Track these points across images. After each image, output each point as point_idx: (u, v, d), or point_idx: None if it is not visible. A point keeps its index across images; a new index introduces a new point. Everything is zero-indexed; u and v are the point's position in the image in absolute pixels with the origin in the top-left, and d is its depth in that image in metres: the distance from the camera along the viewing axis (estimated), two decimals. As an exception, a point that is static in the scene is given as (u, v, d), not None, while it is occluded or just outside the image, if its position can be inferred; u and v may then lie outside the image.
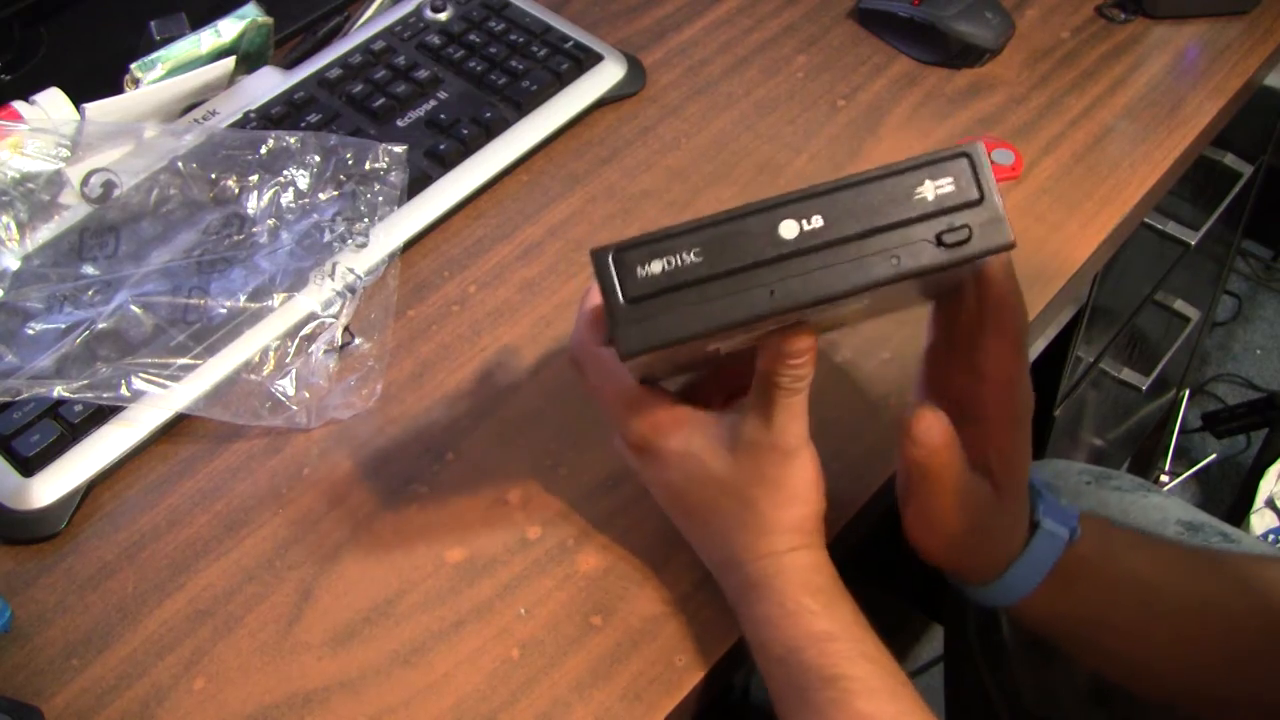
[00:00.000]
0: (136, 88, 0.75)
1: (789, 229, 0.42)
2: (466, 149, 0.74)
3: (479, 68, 0.78)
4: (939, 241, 0.42)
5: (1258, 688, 0.55)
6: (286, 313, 0.65)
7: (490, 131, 0.75)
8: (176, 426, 0.63)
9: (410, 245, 0.71)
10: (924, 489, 0.50)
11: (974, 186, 0.42)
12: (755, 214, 0.42)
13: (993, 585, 0.54)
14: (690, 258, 0.42)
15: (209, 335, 0.63)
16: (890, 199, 0.42)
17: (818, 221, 0.42)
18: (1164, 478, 1.61)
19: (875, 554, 1.07)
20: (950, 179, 0.42)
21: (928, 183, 0.42)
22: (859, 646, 0.48)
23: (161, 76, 0.75)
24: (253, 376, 0.63)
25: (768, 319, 0.43)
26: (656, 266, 0.42)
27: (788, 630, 0.49)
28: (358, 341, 0.66)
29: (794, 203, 0.42)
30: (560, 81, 0.77)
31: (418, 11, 0.82)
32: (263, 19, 0.79)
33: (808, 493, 0.50)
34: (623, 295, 0.42)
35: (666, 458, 0.51)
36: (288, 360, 0.64)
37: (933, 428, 0.48)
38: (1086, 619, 0.56)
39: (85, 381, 0.60)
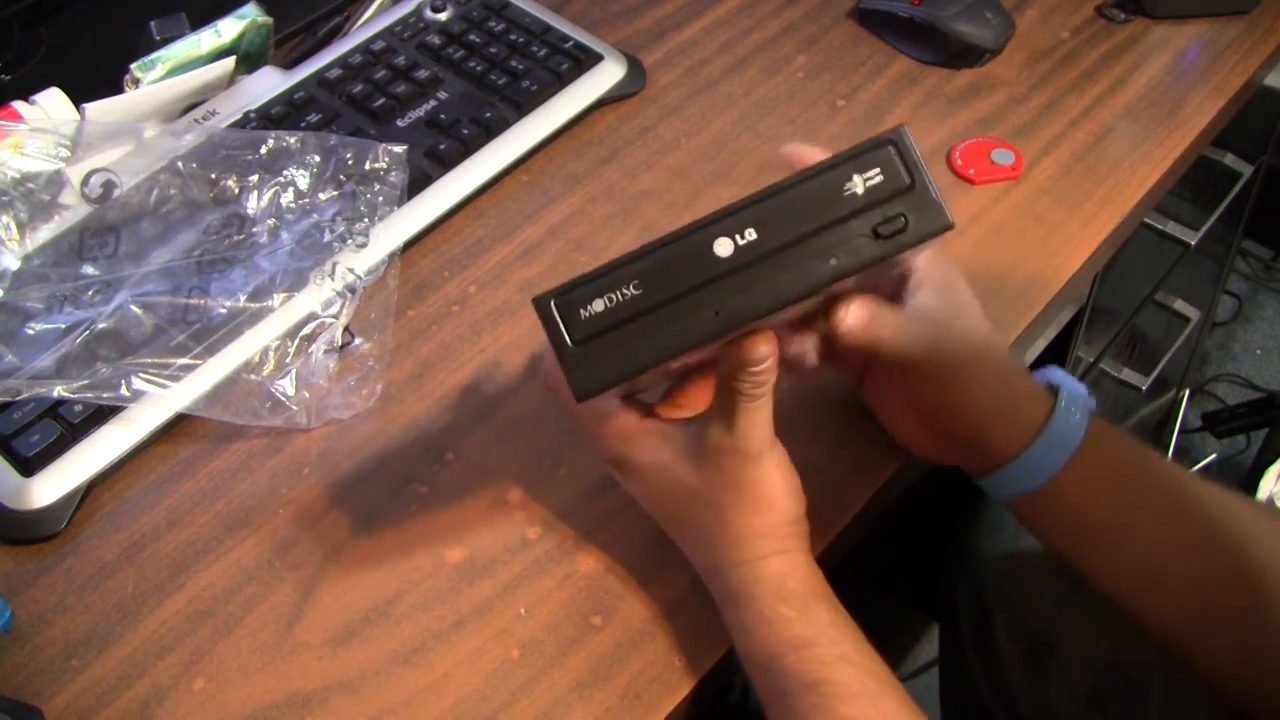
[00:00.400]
0: (136, 88, 0.75)
1: (724, 246, 0.41)
2: (466, 149, 0.74)
3: (479, 68, 0.78)
4: (875, 235, 0.41)
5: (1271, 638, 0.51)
6: (286, 313, 0.65)
7: (490, 131, 0.75)
8: (176, 426, 0.63)
9: (410, 245, 0.71)
10: (886, 364, 0.51)
11: (903, 173, 0.41)
12: (688, 236, 0.42)
13: (1029, 452, 0.52)
14: (630, 290, 0.42)
15: (209, 335, 0.63)
16: (821, 200, 0.41)
17: (751, 235, 0.41)
18: (1164, 478, 1.60)
19: (875, 554, 1.07)
20: (878, 169, 0.41)
21: (855, 177, 0.41)
22: (837, 650, 0.48)
23: (161, 76, 0.75)
24: (253, 376, 0.63)
25: (717, 338, 0.42)
26: (599, 305, 0.42)
27: (766, 638, 0.49)
28: (358, 341, 0.66)
29: (725, 218, 0.42)
30: (560, 81, 0.77)
31: (418, 11, 0.82)
32: (263, 19, 0.79)
33: (777, 497, 0.50)
34: (569, 338, 0.42)
35: (641, 470, 0.52)
36: (288, 360, 0.64)
37: (849, 313, 0.48)
38: (1118, 502, 0.53)
39: (85, 381, 0.60)
